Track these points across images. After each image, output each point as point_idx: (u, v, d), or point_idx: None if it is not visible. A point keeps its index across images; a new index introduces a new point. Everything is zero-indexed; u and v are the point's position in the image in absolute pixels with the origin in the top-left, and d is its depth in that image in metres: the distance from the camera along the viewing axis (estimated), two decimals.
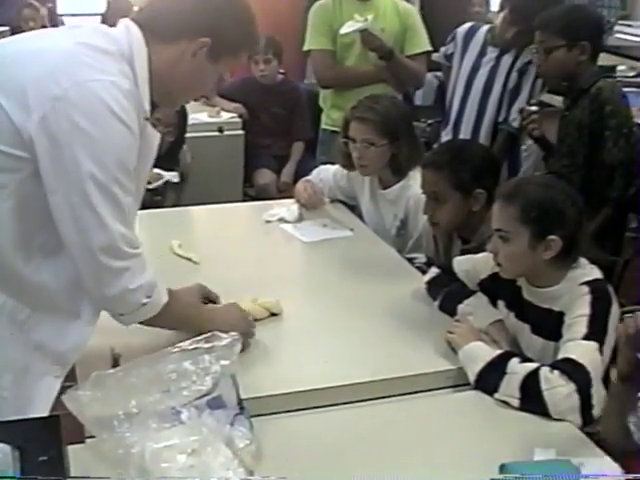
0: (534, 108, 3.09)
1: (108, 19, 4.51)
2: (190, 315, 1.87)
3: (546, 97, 3.57)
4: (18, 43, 1.67)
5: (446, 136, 3.64)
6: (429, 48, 3.73)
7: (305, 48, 3.70)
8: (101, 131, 1.50)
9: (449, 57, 3.69)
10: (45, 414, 1.64)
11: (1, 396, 1.64)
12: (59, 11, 6.16)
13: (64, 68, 1.52)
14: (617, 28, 5.30)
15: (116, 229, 1.56)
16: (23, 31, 2.12)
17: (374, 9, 3.53)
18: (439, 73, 4.48)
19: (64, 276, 1.63)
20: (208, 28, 1.61)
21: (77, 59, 1.54)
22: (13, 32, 4.64)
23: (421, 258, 2.63)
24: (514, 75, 3.44)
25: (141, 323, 1.72)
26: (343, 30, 3.41)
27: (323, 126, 3.82)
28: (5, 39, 1.71)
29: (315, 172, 3.12)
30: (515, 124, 3.41)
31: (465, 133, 3.54)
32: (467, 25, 3.64)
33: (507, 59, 3.46)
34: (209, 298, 2.05)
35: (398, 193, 2.77)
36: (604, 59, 3.08)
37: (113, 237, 1.56)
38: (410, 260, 2.60)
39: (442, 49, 3.79)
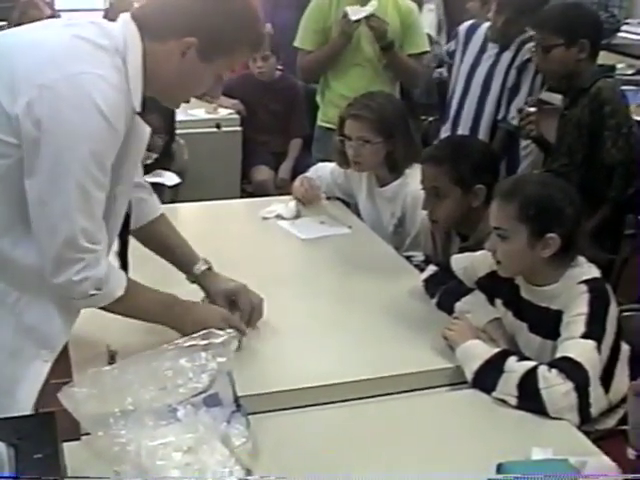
0: (533, 109, 3.08)
1: (110, 17, 4.48)
2: (152, 311, 1.84)
3: (545, 95, 3.57)
4: (15, 35, 1.68)
5: (445, 133, 3.64)
6: (427, 48, 3.74)
7: (294, 44, 3.73)
8: (82, 124, 1.51)
9: (451, 54, 3.70)
10: (33, 399, 1.66)
11: None
12: (57, 7, 6.14)
13: (56, 60, 1.53)
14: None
15: (78, 223, 1.58)
16: None
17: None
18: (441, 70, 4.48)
19: None
20: (194, 28, 1.60)
21: (70, 51, 1.56)
22: None
23: (419, 256, 2.63)
24: (513, 72, 3.45)
25: (102, 308, 1.73)
26: (353, 17, 3.43)
27: (319, 123, 3.82)
28: (3, 31, 1.71)
29: (313, 169, 3.11)
30: (514, 122, 3.41)
31: (464, 130, 3.55)
32: (469, 22, 3.66)
33: (507, 56, 3.46)
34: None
35: (395, 191, 2.77)
36: (603, 57, 3.07)
37: (74, 230, 1.58)
38: (408, 258, 2.60)
39: (445, 46, 3.80)
